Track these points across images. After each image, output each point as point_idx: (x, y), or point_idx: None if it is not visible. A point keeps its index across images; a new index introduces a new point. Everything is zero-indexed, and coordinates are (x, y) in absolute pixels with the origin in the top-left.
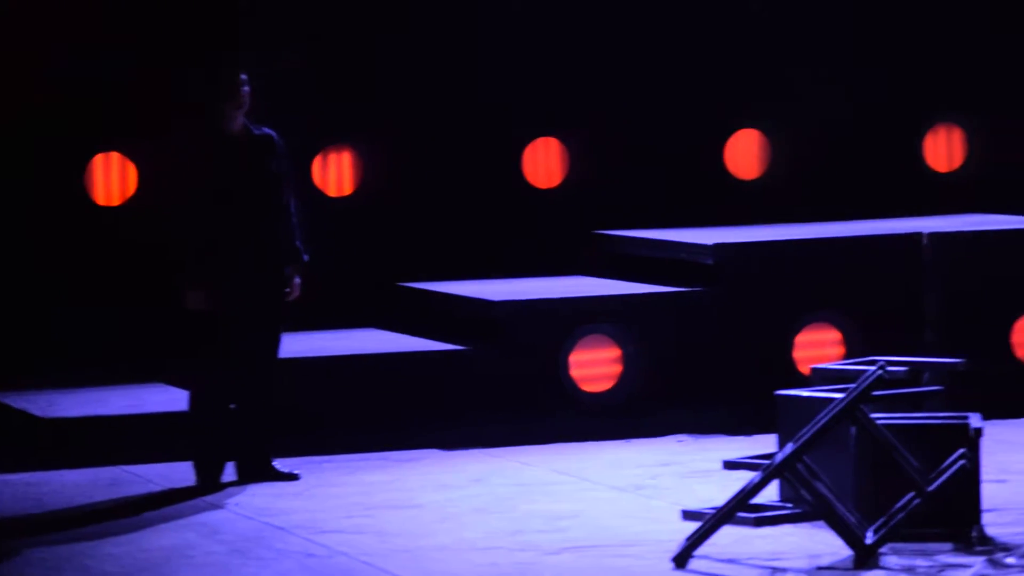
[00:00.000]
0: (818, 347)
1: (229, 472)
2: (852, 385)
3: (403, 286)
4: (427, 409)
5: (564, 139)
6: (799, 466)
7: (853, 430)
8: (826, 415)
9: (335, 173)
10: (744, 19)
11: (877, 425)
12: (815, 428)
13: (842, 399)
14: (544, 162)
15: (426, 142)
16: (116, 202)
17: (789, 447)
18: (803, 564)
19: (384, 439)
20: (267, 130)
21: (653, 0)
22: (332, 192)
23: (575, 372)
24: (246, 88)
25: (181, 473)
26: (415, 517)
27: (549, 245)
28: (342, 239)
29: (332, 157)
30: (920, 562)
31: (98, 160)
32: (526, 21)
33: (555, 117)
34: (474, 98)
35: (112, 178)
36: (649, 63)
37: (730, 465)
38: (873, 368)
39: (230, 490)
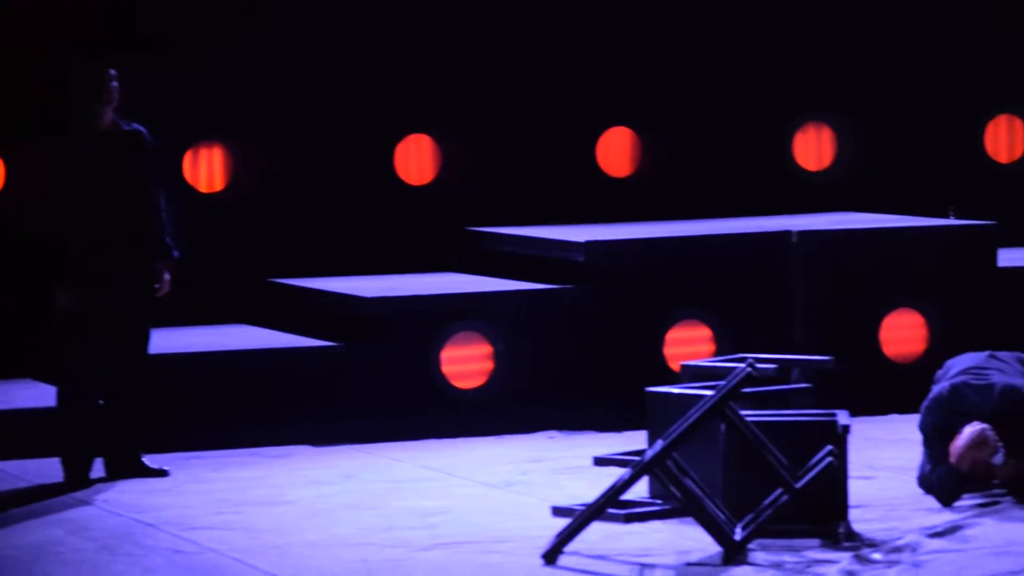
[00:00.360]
0: (688, 344)
1: (98, 468)
2: (722, 382)
3: (274, 282)
4: (298, 405)
5: (437, 136)
6: (668, 463)
7: (722, 427)
8: (696, 412)
9: (206, 169)
10: (617, 16)
11: (746, 422)
12: (685, 425)
13: (711, 396)
14: (416, 159)
15: (298, 138)
16: None
17: (659, 444)
18: (672, 560)
19: (255, 435)
20: (136, 126)
21: None
22: (203, 188)
23: (447, 369)
24: (115, 84)
25: (50, 469)
26: (285, 513)
27: (421, 242)
28: (213, 235)
29: (203, 153)
30: (788, 558)
31: None
32: (401, 17)
33: (427, 114)
34: (347, 95)
35: None
36: (521, 60)
37: (600, 462)
38: (742, 365)
39: (99, 487)
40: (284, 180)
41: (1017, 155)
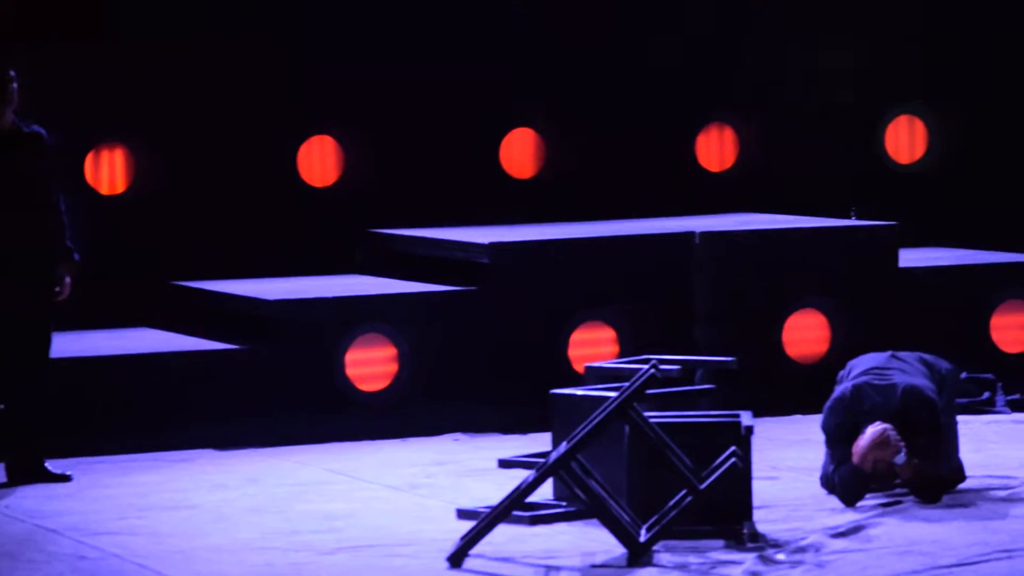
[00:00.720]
0: (592, 346)
1: None
2: (625, 384)
3: (176, 285)
4: (201, 409)
5: (339, 138)
6: (573, 465)
7: (626, 429)
8: (600, 414)
9: (107, 171)
10: (521, 16)
11: (650, 423)
12: (589, 427)
13: (615, 398)
14: (319, 161)
15: (200, 140)
16: None
17: (563, 446)
18: (577, 562)
19: (158, 439)
20: (36, 127)
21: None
22: (104, 190)
23: (351, 371)
24: (14, 85)
25: None
26: (189, 518)
27: (324, 244)
28: (114, 238)
29: (104, 155)
30: (693, 559)
31: None
32: (302, 19)
33: (330, 116)
34: (249, 96)
35: None
36: (424, 62)
37: (505, 464)
38: (646, 367)
39: (0, 492)
40: (186, 182)
41: (918, 156)
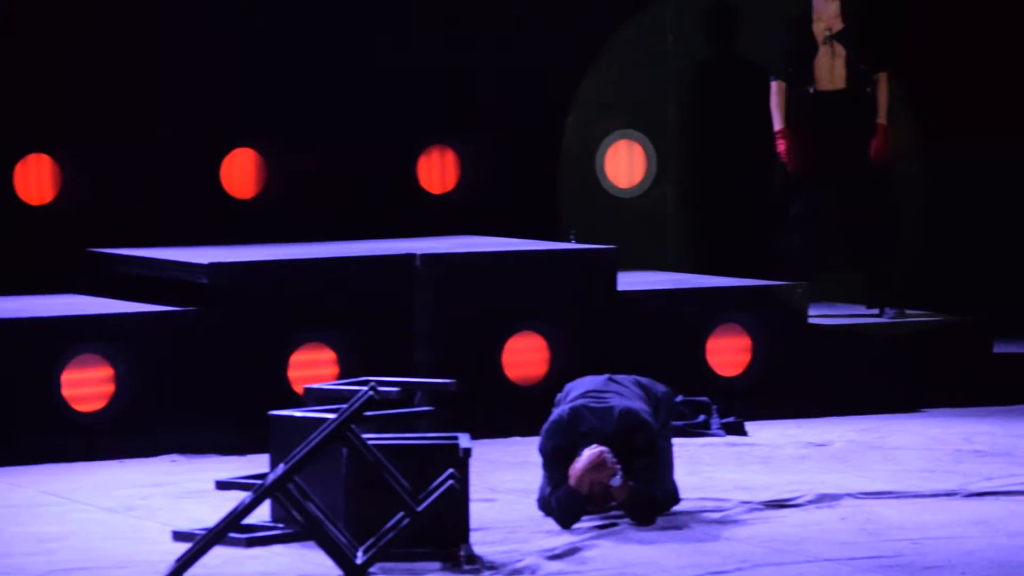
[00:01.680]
0: (312, 367)
1: None
2: (344, 406)
3: None
4: None
5: (57, 156)
6: (290, 486)
7: (344, 451)
8: (317, 436)
9: None
10: (234, 38)
11: (368, 445)
12: (306, 448)
13: (333, 420)
14: (36, 179)
15: None
16: None
17: (280, 467)
18: None
19: None
20: None
21: (159, 20)
22: None
23: (67, 391)
24: None
25: None
26: None
27: (42, 263)
28: None
29: None
30: None
31: None
32: (17, 36)
33: (46, 134)
34: None
35: None
36: (142, 80)
37: (222, 485)
38: (365, 388)
39: None
40: None
41: (637, 180)
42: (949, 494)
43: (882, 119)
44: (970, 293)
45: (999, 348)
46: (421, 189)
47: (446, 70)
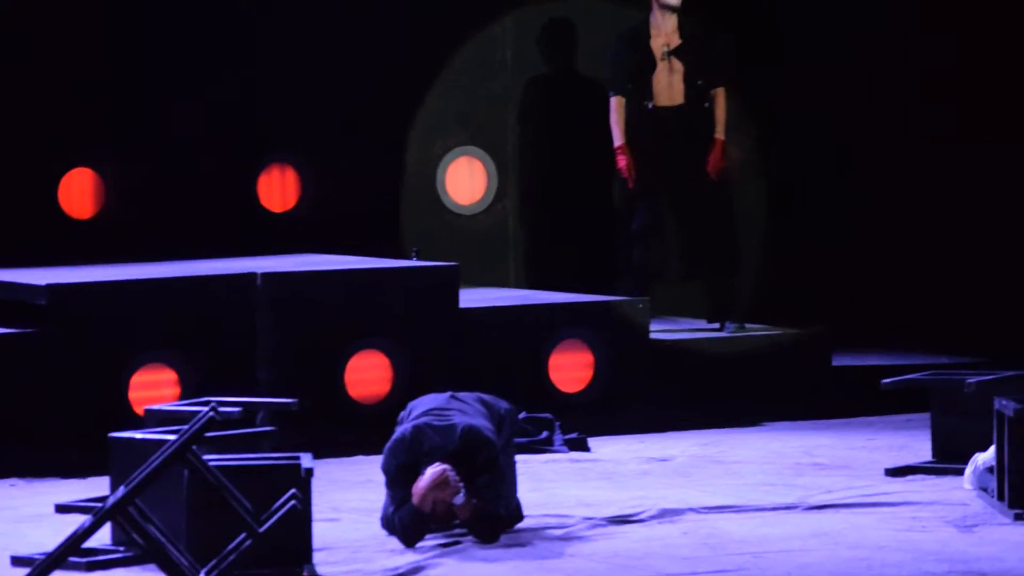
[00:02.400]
0: (154, 388)
1: None
2: (185, 426)
3: None
4: None
5: None
6: (131, 509)
7: (185, 472)
8: (158, 457)
9: None
10: (70, 58)
11: (209, 466)
12: (147, 470)
13: (174, 441)
14: None
15: None
16: None
17: (121, 490)
18: None
19: None
20: None
21: None
22: None
23: None
24: None
25: None
26: None
27: None
28: None
29: None
30: None
31: None
32: None
33: None
34: None
35: None
36: None
37: (62, 509)
38: (206, 409)
39: None
40: None
41: (477, 197)
42: (789, 507)
43: (720, 134)
44: (809, 306)
45: (838, 361)
46: (261, 207)
47: (286, 87)
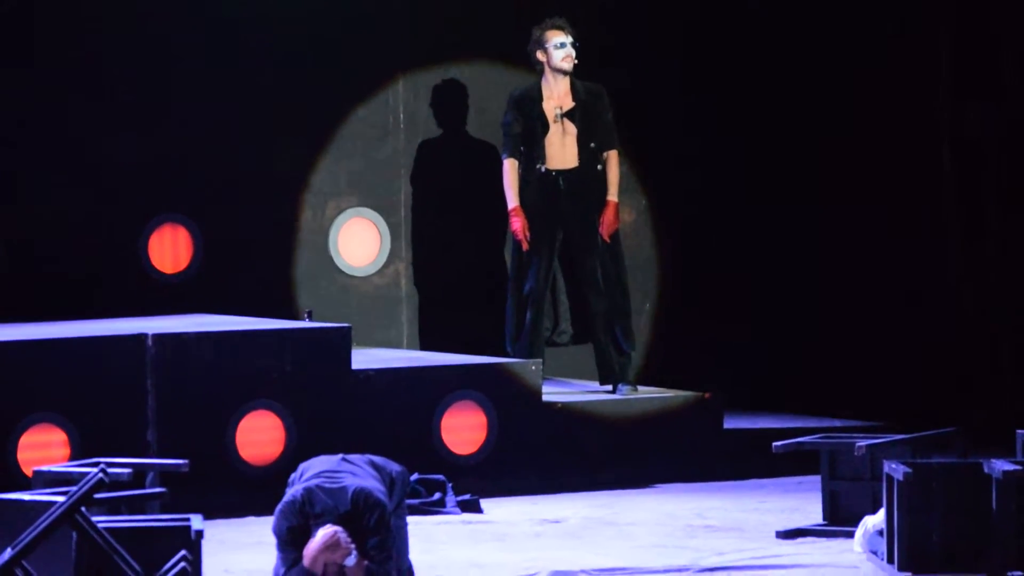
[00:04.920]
0: (42, 449)
1: None
2: (74, 488)
3: None
4: None
5: None
6: (17, 571)
7: (74, 534)
8: (46, 519)
9: None
10: None
11: (98, 528)
12: (34, 532)
13: (62, 503)
14: None
15: None
16: None
17: (7, 552)
18: None
19: None
20: None
21: None
22: None
23: None
24: None
25: None
26: None
27: None
28: None
29: None
30: None
31: None
32: None
33: None
34: None
35: None
36: None
37: None
38: (95, 471)
39: None
40: None
41: (372, 259)
42: (681, 570)
43: (612, 196)
44: (700, 369)
45: (729, 424)
46: (153, 268)
47: (180, 147)
